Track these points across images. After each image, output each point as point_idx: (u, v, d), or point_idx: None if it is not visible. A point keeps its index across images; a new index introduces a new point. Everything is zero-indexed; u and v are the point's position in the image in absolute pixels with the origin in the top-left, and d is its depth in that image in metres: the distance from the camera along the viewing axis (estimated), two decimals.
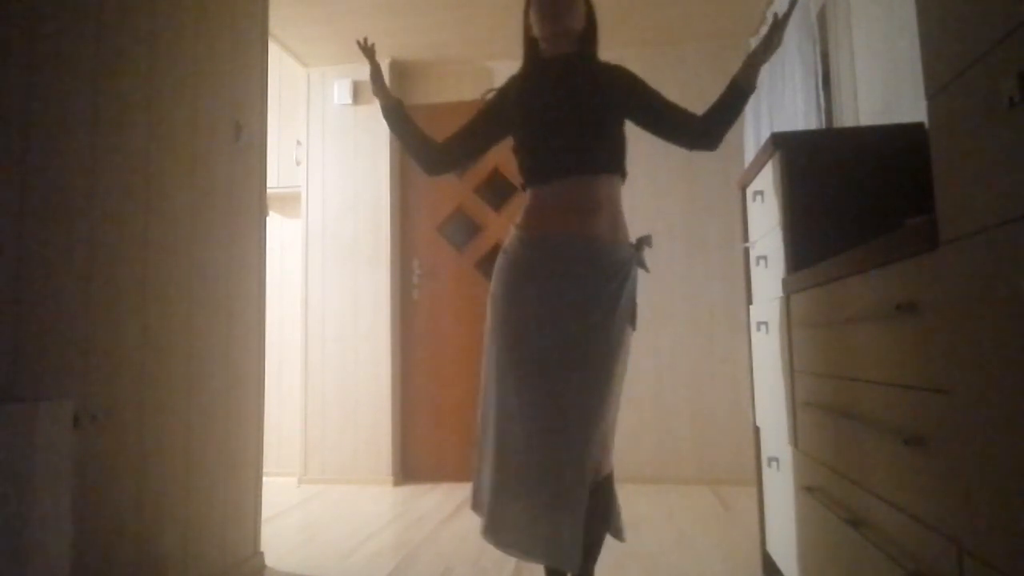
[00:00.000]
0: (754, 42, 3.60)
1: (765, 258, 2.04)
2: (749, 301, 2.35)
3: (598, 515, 1.70)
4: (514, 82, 1.90)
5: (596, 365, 1.65)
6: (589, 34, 1.88)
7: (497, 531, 1.65)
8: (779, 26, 1.79)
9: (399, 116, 1.94)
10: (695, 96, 3.95)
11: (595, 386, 1.64)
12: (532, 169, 1.79)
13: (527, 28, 1.89)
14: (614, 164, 1.79)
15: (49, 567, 1.41)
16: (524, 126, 1.82)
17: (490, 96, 1.93)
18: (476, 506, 1.76)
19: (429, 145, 1.94)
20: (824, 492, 1.48)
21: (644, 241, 1.79)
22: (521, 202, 1.86)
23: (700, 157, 3.94)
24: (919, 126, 1.76)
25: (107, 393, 1.76)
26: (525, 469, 1.62)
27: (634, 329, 1.78)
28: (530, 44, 1.90)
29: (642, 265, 1.79)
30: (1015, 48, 0.73)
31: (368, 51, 1.94)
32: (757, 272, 2.20)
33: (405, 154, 2.01)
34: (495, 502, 1.65)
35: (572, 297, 1.67)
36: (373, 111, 4.15)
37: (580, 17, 1.84)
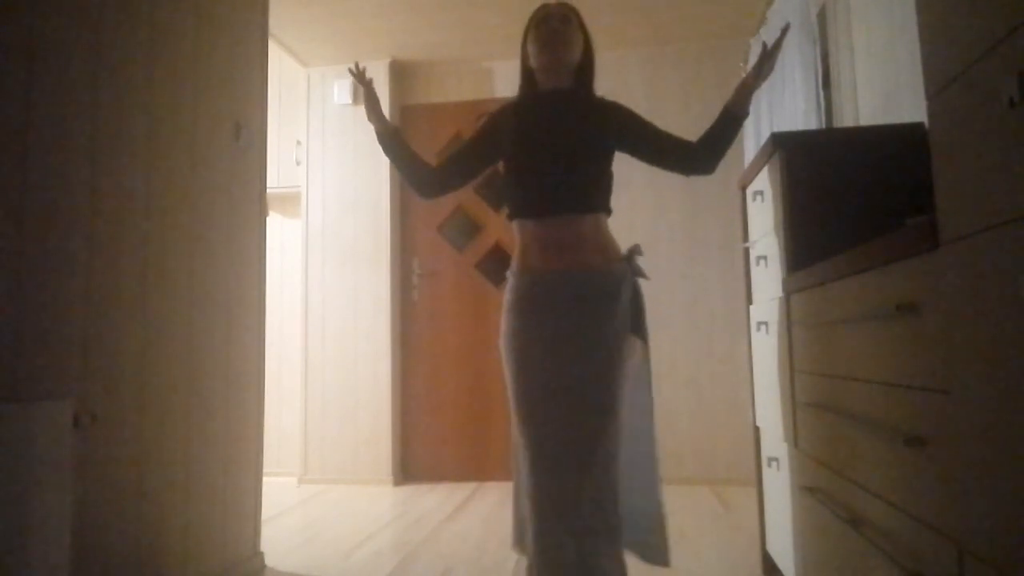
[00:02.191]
0: (754, 42, 3.60)
1: (765, 258, 2.04)
2: (749, 301, 2.35)
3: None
4: (509, 110, 1.90)
5: (598, 389, 1.64)
6: (586, 68, 1.88)
7: (546, 563, 1.59)
8: (770, 55, 1.80)
9: (395, 142, 1.94)
10: (695, 96, 3.99)
11: (598, 401, 1.63)
12: (520, 203, 1.79)
13: (524, 58, 1.89)
14: (601, 204, 1.79)
15: (49, 567, 1.41)
16: (515, 159, 1.82)
17: (482, 122, 1.94)
18: (517, 543, 1.75)
19: (423, 170, 1.94)
20: (824, 492, 1.48)
21: (634, 251, 1.79)
22: None
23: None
24: (919, 126, 1.76)
25: (107, 393, 1.76)
26: (549, 503, 1.60)
27: (644, 340, 1.76)
28: (527, 75, 1.90)
29: (639, 274, 1.78)
30: (1015, 48, 0.73)
31: (361, 77, 1.94)
32: (757, 272, 2.20)
33: (419, 195, 2.01)
34: (536, 541, 1.61)
35: (565, 329, 1.68)
36: None
37: (578, 50, 1.84)
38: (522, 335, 1.73)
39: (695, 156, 1.83)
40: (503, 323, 1.79)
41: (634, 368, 1.73)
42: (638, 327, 1.74)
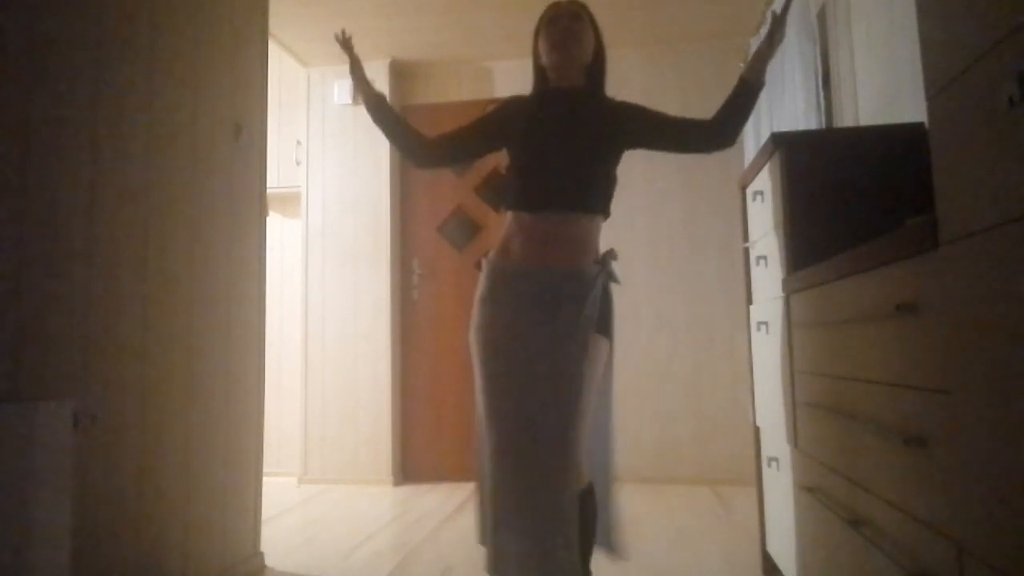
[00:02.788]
0: (754, 43, 3.60)
1: (765, 258, 2.04)
2: (749, 301, 2.35)
3: (583, 527, 1.69)
4: (519, 103, 1.91)
5: (561, 384, 1.64)
6: (598, 66, 1.89)
7: (496, 565, 1.64)
8: (780, 21, 1.83)
9: (383, 110, 1.94)
10: (695, 96, 3.99)
11: (563, 405, 1.63)
12: (520, 195, 1.79)
13: (536, 56, 1.90)
14: (600, 206, 1.80)
15: (49, 567, 1.41)
16: (523, 153, 1.83)
17: (492, 108, 1.95)
18: (481, 539, 1.75)
19: (416, 140, 1.94)
20: (824, 492, 1.48)
21: (609, 255, 1.79)
22: None
23: (700, 157, 3.95)
24: (919, 126, 1.76)
25: (107, 393, 1.76)
26: (510, 497, 1.62)
27: (610, 340, 1.76)
28: (539, 73, 1.91)
29: (611, 278, 1.78)
30: (1015, 48, 0.73)
31: (346, 44, 1.94)
32: (757, 272, 2.20)
33: (410, 164, 2.01)
34: (493, 535, 1.64)
35: (537, 322, 1.68)
36: None
37: (589, 48, 1.85)
38: (493, 327, 1.73)
39: (713, 133, 1.84)
40: (474, 313, 1.79)
41: (600, 368, 1.74)
42: (605, 328, 1.74)
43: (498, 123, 1.91)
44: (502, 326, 1.72)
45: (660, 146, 1.89)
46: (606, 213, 1.83)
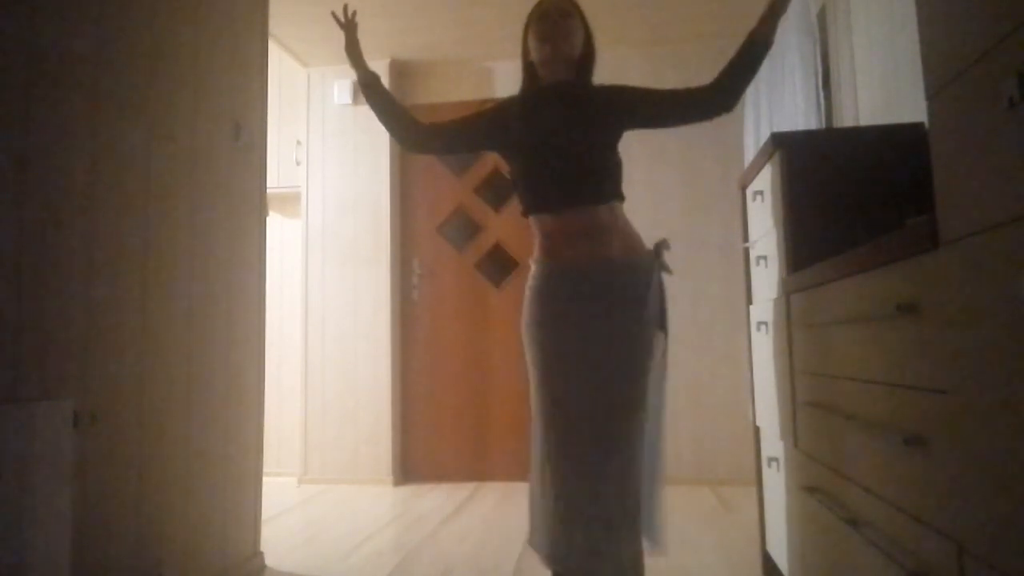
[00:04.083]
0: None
1: (765, 258, 2.04)
2: (749, 301, 2.35)
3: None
4: (512, 105, 1.90)
5: (626, 381, 1.64)
6: (587, 60, 1.88)
7: (560, 559, 1.63)
8: None
9: (376, 91, 1.93)
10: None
11: (628, 401, 1.63)
12: (533, 200, 1.80)
13: (525, 53, 1.89)
14: (612, 191, 1.79)
15: (49, 567, 1.41)
16: (522, 156, 1.83)
17: (488, 106, 1.95)
18: (532, 540, 1.74)
19: (410, 123, 1.94)
20: (824, 492, 1.48)
21: (662, 245, 1.79)
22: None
23: (700, 157, 3.96)
24: (919, 126, 1.76)
25: (107, 393, 1.76)
26: (578, 492, 1.62)
27: (666, 334, 1.76)
28: (528, 69, 1.90)
29: (665, 268, 1.78)
30: (1015, 48, 0.73)
31: (349, 23, 1.94)
32: (757, 272, 2.20)
33: (399, 146, 1.99)
34: (561, 530, 1.63)
35: (593, 319, 1.68)
36: None
37: (578, 43, 1.84)
38: (547, 326, 1.73)
39: (712, 98, 1.80)
40: (525, 312, 1.79)
41: (657, 363, 1.74)
42: (660, 322, 1.74)
43: (489, 123, 1.90)
44: (556, 326, 1.71)
45: (656, 124, 1.86)
46: (621, 197, 1.82)
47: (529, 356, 1.77)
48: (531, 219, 1.82)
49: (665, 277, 1.79)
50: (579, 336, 1.68)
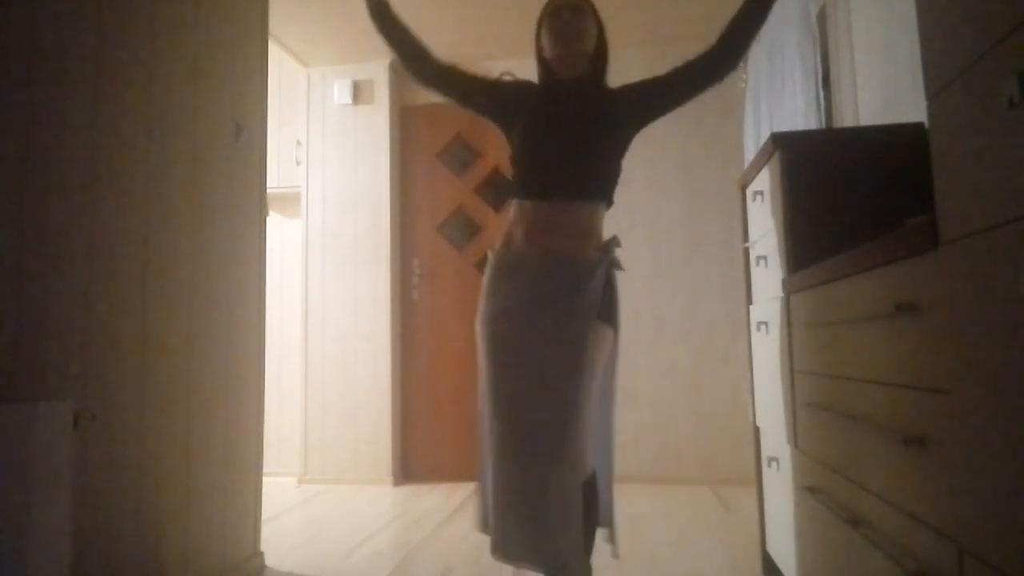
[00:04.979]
0: (754, 43, 3.59)
1: (765, 258, 2.04)
2: (749, 301, 2.35)
3: (586, 516, 1.70)
4: (529, 89, 1.91)
5: (560, 374, 1.65)
6: (600, 57, 1.89)
7: (503, 549, 1.68)
8: None
9: (385, 16, 1.90)
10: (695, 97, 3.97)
11: (563, 394, 1.64)
12: (525, 184, 1.81)
13: (539, 49, 1.91)
14: (603, 194, 1.81)
15: (49, 567, 1.41)
16: (525, 141, 1.83)
17: (506, 78, 1.97)
18: (482, 527, 1.77)
19: (422, 51, 1.90)
20: (824, 492, 1.48)
21: (612, 243, 1.80)
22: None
23: (700, 157, 3.96)
24: (919, 126, 1.76)
25: (107, 393, 1.76)
26: (515, 485, 1.64)
27: (615, 328, 1.77)
28: (543, 66, 1.92)
29: (614, 265, 1.79)
30: (1015, 48, 0.73)
31: None
32: (757, 272, 2.20)
33: (408, 74, 1.95)
34: (500, 520, 1.67)
35: (539, 311, 1.70)
36: (373, 111, 4.16)
37: (591, 40, 1.86)
38: (496, 318, 1.74)
39: (716, 61, 1.80)
40: (481, 304, 1.80)
41: (604, 356, 1.74)
42: (610, 316, 1.74)
43: (506, 98, 1.91)
44: (505, 316, 1.73)
45: (675, 102, 1.85)
46: (609, 201, 1.83)
47: (481, 351, 1.78)
48: (513, 204, 1.82)
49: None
50: (528, 337, 1.69)
